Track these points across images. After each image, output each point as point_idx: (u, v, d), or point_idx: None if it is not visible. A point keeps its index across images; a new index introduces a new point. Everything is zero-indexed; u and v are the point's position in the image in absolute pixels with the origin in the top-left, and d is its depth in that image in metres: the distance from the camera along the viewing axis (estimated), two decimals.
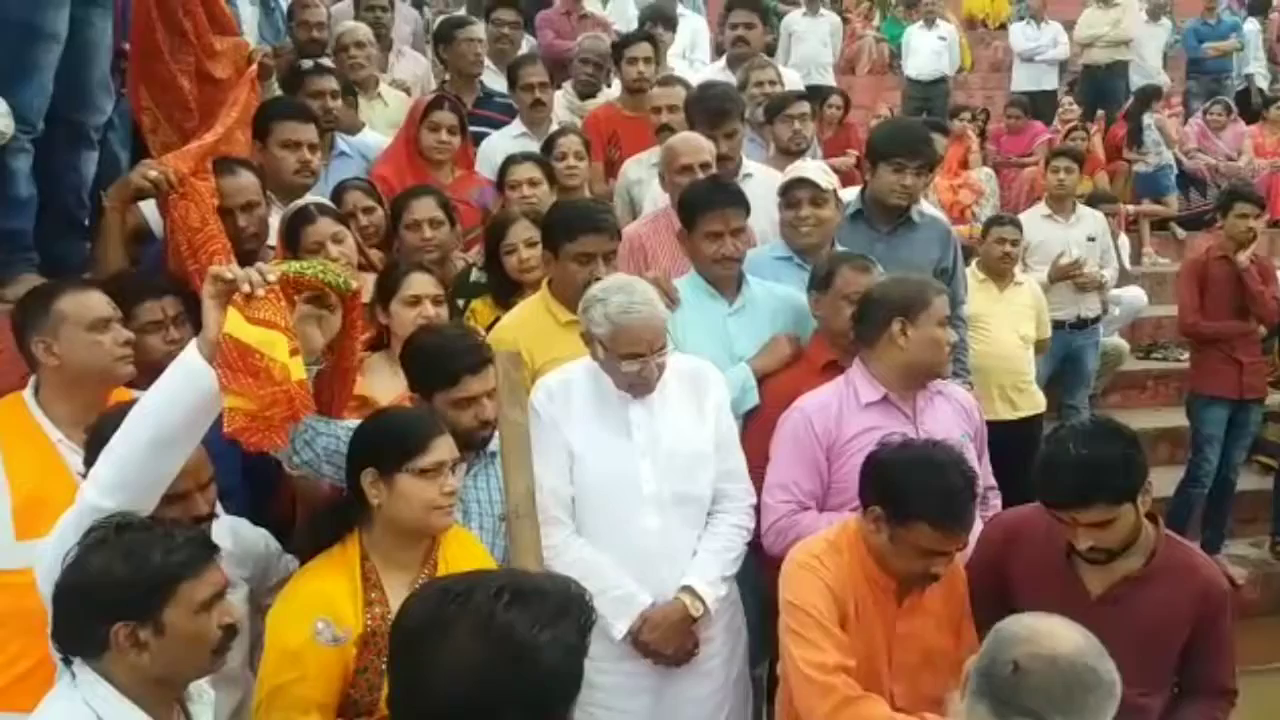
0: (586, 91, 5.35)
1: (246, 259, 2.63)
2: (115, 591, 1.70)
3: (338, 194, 3.63)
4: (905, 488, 2.31)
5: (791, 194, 3.47)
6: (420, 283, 3.04)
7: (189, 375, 1.87)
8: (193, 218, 2.77)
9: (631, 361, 2.66)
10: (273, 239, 3.19)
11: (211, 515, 2.21)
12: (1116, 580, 2.40)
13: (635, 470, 2.72)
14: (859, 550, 2.42)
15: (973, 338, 4.32)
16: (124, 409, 1.96)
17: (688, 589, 2.73)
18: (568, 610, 1.29)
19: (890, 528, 2.33)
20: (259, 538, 2.53)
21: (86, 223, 3.25)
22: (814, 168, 3.62)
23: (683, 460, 2.76)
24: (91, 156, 3.27)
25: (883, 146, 3.74)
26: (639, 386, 2.73)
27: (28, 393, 2.48)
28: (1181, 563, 2.44)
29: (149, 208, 2.99)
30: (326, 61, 4.75)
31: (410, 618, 1.33)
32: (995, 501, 3.04)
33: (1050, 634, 1.72)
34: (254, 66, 3.33)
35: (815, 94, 5.56)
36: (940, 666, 2.36)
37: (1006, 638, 1.74)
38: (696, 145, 3.67)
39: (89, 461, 2.00)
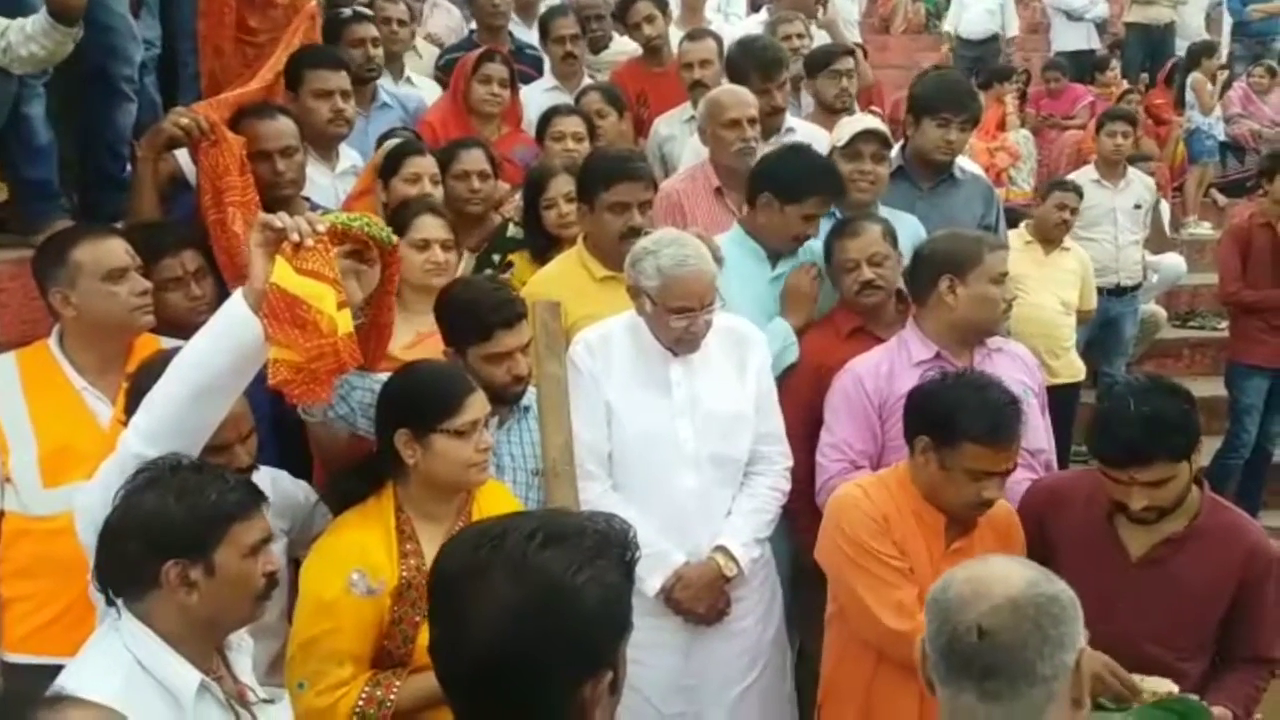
0: (596, 46, 5.24)
1: (282, 206, 2.59)
2: (170, 529, 1.70)
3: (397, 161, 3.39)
4: (949, 410, 2.31)
5: (855, 146, 3.34)
6: (430, 225, 2.92)
7: (234, 324, 1.84)
8: (221, 166, 2.74)
9: (680, 316, 2.62)
10: (307, 191, 3.15)
11: (252, 467, 2.19)
12: (1158, 542, 2.37)
13: (673, 429, 2.71)
14: (908, 489, 2.42)
15: None
16: (165, 357, 1.94)
17: (722, 549, 2.72)
18: (606, 549, 1.25)
19: (939, 454, 2.32)
20: (298, 490, 2.52)
21: (125, 174, 3.23)
22: (877, 122, 3.53)
23: (721, 421, 2.73)
24: (128, 109, 3.24)
25: (926, 101, 3.63)
26: (685, 342, 2.69)
27: (52, 341, 2.48)
28: (1228, 525, 2.40)
29: (184, 155, 2.97)
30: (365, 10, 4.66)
31: (446, 563, 1.30)
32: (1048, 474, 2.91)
33: (993, 579, 1.48)
34: (312, 4, 3.26)
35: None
36: None
37: (951, 603, 1.48)
38: (743, 98, 3.57)
39: (130, 410, 1.98)
